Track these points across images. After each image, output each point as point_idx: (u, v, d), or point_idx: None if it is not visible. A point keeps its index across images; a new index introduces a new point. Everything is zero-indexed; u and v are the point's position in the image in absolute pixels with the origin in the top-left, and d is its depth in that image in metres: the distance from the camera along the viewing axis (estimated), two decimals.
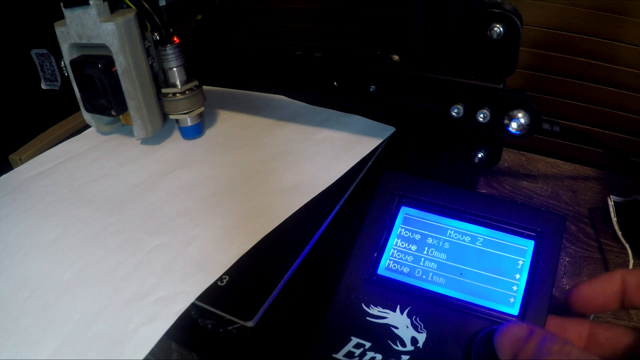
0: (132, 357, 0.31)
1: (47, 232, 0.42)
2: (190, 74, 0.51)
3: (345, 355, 0.27)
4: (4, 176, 0.51)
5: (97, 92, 0.49)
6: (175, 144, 0.54)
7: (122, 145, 0.54)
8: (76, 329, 0.33)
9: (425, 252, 0.29)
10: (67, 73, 0.52)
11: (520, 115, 0.35)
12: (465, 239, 0.29)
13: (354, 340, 0.27)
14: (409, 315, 0.27)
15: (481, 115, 0.36)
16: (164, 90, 0.50)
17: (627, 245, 0.37)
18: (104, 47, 0.47)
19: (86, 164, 0.52)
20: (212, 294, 0.35)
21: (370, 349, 0.27)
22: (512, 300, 0.27)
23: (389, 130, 0.52)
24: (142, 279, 0.36)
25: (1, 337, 0.34)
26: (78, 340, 0.33)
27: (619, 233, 0.38)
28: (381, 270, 0.29)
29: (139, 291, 0.35)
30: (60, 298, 0.36)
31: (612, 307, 0.26)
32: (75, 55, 0.50)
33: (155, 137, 0.54)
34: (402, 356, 0.26)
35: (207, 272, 0.36)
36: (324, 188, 0.44)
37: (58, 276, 0.38)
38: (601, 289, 0.26)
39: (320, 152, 0.49)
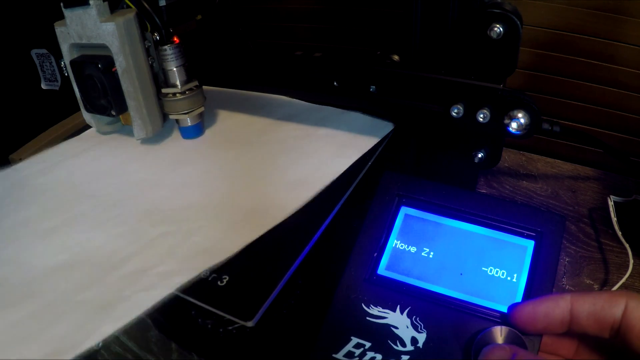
0: (119, 320, 0.30)
1: (45, 222, 0.41)
2: (190, 74, 0.51)
3: (345, 355, 0.27)
4: (2, 172, 0.51)
5: (97, 92, 0.49)
6: (176, 144, 0.54)
7: (122, 145, 0.54)
8: (62, 296, 0.32)
9: (425, 252, 0.29)
10: (67, 73, 0.52)
11: (520, 115, 0.35)
12: (466, 239, 0.29)
13: (354, 340, 0.27)
14: (409, 315, 0.27)
15: (481, 115, 0.36)
16: (164, 90, 0.50)
17: (627, 245, 0.37)
18: (104, 47, 0.47)
19: (87, 162, 0.51)
20: (212, 294, 0.35)
21: (370, 349, 0.27)
22: (512, 300, 0.27)
23: (390, 126, 0.52)
24: (144, 259, 0.35)
25: None
26: (61, 305, 0.31)
27: (619, 233, 0.38)
28: (381, 270, 0.29)
29: (139, 267, 0.34)
30: (50, 273, 0.34)
31: (557, 330, 0.25)
32: (75, 55, 0.50)
33: (155, 137, 0.54)
34: (402, 356, 0.26)
35: (212, 255, 0.35)
36: (328, 182, 0.44)
37: (51, 257, 0.36)
38: (544, 312, 0.24)
39: (322, 149, 0.49)
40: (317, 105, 0.58)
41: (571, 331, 0.24)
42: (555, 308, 0.24)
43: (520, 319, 0.25)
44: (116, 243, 0.38)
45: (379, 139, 0.50)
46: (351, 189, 0.45)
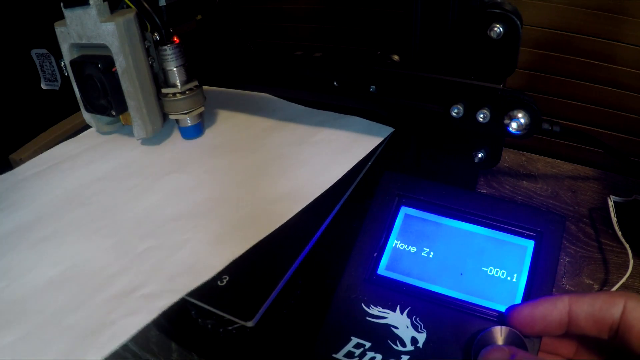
0: (104, 347, 0.30)
1: (37, 230, 0.42)
2: (190, 74, 0.51)
3: (345, 355, 0.27)
4: (0, 176, 0.51)
5: (97, 92, 0.49)
6: (175, 144, 0.54)
7: (118, 148, 0.54)
8: (50, 319, 0.33)
9: (425, 252, 0.29)
10: (67, 73, 0.52)
11: (520, 115, 0.35)
12: (465, 239, 0.29)
13: (354, 340, 0.27)
14: (409, 315, 0.27)
15: (481, 115, 0.36)
16: (164, 90, 0.50)
17: (627, 245, 0.37)
18: (104, 47, 0.47)
19: (81, 166, 0.51)
20: (212, 294, 0.35)
21: (370, 349, 0.27)
22: (512, 300, 0.27)
23: (387, 130, 0.52)
24: (129, 278, 0.36)
25: None
26: (49, 329, 0.32)
27: (619, 233, 0.38)
28: (381, 270, 0.29)
29: (124, 288, 0.35)
30: (40, 292, 0.35)
31: (555, 331, 0.24)
32: (75, 55, 0.50)
33: (155, 137, 0.54)
34: (402, 356, 0.26)
35: (196, 274, 0.36)
36: (318, 194, 0.44)
37: (42, 272, 0.37)
38: (542, 314, 0.24)
39: (317, 155, 0.49)
40: (315, 110, 0.58)
41: (570, 333, 0.24)
42: (553, 310, 0.24)
43: (518, 321, 0.25)
44: (104, 258, 0.38)
45: (375, 145, 0.50)
46: (351, 189, 0.45)
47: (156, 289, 0.35)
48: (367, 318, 0.27)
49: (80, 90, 0.51)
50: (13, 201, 0.47)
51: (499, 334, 0.25)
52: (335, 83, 0.43)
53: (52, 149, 0.55)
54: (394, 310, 0.27)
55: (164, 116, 0.53)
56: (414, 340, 0.27)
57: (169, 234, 0.41)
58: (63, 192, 0.47)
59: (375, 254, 0.29)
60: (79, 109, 0.54)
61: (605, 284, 0.36)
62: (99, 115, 0.53)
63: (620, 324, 0.23)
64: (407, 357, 0.26)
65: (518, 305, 0.26)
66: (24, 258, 0.39)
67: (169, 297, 0.34)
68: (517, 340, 0.25)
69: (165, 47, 0.48)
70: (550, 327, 0.24)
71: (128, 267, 0.37)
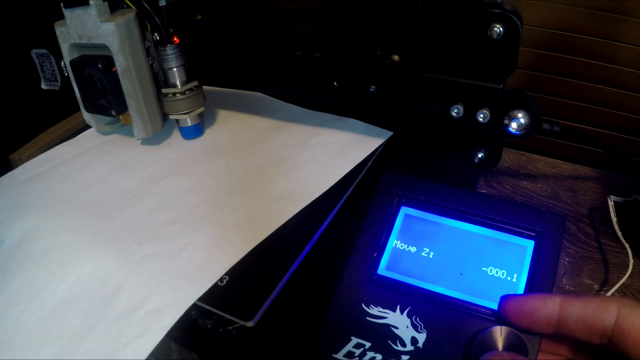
0: None
1: (39, 241, 0.42)
2: (190, 74, 0.51)
3: (345, 355, 0.27)
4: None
5: (97, 92, 0.49)
6: (175, 144, 0.54)
7: (115, 150, 0.54)
8: (70, 343, 0.33)
9: (425, 252, 0.29)
10: (67, 73, 0.52)
11: (520, 115, 0.35)
12: (465, 238, 0.29)
13: (354, 340, 0.27)
14: (409, 315, 0.27)
15: (481, 115, 0.36)
16: (164, 90, 0.50)
17: (627, 245, 0.37)
18: (104, 47, 0.47)
19: (78, 168, 0.51)
20: (212, 294, 0.35)
21: (370, 349, 0.27)
22: None
23: (386, 134, 0.52)
24: (132, 291, 0.36)
25: None
26: (71, 354, 0.33)
27: (619, 233, 0.38)
28: (381, 270, 0.29)
29: (129, 304, 0.35)
30: (55, 312, 0.36)
31: (542, 329, 0.24)
32: (75, 55, 0.50)
33: (154, 137, 0.54)
34: (402, 356, 0.26)
35: (196, 284, 0.36)
36: (316, 196, 0.44)
37: (52, 289, 0.37)
38: (530, 309, 0.24)
39: (315, 158, 0.49)
40: (313, 112, 0.58)
41: (559, 334, 0.24)
42: (542, 307, 0.24)
43: (507, 311, 0.25)
44: (106, 268, 0.38)
45: (373, 149, 0.50)
46: (351, 189, 0.45)
47: (159, 304, 0.35)
48: (367, 318, 0.27)
49: (80, 90, 0.51)
50: (12, 209, 0.46)
51: (499, 333, 0.25)
52: (335, 83, 0.43)
53: (49, 151, 0.55)
54: (394, 310, 0.27)
55: (164, 116, 0.53)
56: (414, 340, 0.27)
57: (167, 239, 0.40)
58: (60, 196, 0.47)
59: (375, 254, 0.29)
60: (79, 109, 0.54)
61: (605, 284, 0.36)
62: (99, 115, 0.53)
63: (614, 331, 0.22)
64: (407, 357, 0.26)
65: (510, 295, 0.26)
66: (32, 275, 0.39)
67: (172, 313, 0.34)
68: (516, 339, 0.25)
69: (165, 47, 0.48)
70: (537, 323, 0.24)
71: (129, 277, 0.37)
